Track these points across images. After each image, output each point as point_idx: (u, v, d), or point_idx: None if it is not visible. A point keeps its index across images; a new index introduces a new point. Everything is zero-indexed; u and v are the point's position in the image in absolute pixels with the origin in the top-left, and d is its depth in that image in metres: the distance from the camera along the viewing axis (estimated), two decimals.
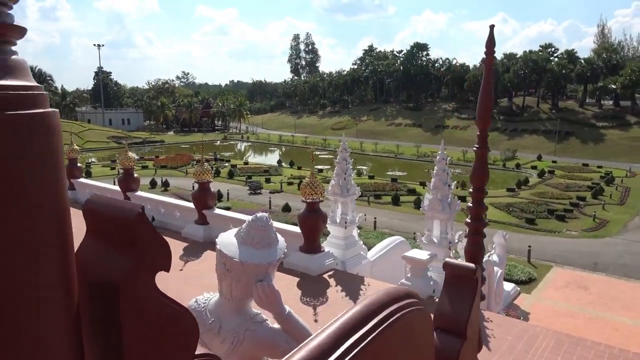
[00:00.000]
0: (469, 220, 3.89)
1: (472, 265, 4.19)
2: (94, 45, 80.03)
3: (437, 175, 9.38)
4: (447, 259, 4.23)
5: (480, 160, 3.85)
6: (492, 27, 3.80)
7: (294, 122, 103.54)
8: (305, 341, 1.62)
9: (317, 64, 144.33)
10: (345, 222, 10.48)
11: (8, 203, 1.00)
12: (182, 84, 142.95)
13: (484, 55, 4.04)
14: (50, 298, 1.10)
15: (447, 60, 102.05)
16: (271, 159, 64.41)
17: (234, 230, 2.95)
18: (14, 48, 1.16)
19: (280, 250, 2.90)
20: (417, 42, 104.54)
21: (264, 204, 32.72)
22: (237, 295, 2.77)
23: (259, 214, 2.93)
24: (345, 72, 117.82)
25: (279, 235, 2.93)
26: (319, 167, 47.20)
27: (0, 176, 0.98)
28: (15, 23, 1.11)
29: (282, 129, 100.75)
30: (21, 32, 1.13)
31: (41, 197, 1.07)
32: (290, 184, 40.74)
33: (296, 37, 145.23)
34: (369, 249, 11.73)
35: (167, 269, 1.43)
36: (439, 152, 9.68)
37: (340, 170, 10.73)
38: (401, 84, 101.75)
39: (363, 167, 52.48)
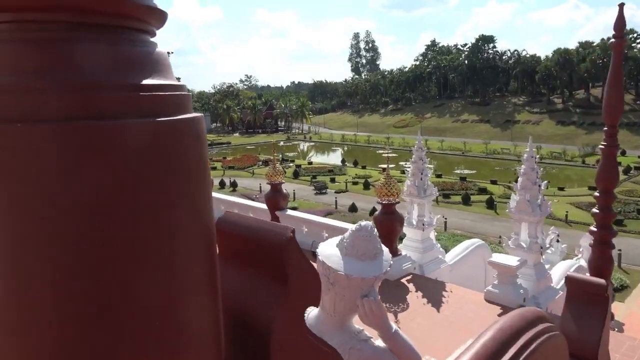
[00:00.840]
0: (594, 229, 3.39)
1: (602, 280, 3.66)
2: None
3: (526, 174, 8.69)
4: (569, 273, 3.74)
5: (608, 160, 3.33)
6: (621, 5, 3.27)
7: (355, 121, 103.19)
8: None
9: (378, 62, 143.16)
10: (423, 224, 10.04)
11: (156, 225, 0.78)
12: (245, 86, 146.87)
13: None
14: (197, 332, 0.87)
15: (515, 52, 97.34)
16: (333, 158, 64.48)
17: (335, 240, 2.73)
18: (153, 39, 0.94)
19: (387, 262, 2.65)
20: (482, 35, 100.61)
21: (330, 204, 32.69)
22: (340, 311, 2.55)
23: (363, 223, 2.68)
24: (406, 69, 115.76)
25: (383, 246, 2.68)
26: (383, 166, 46.54)
27: (148, 195, 0.76)
28: (155, 6, 0.89)
29: (344, 128, 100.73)
30: (162, 18, 0.91)
31: (188, 216, 0.84)
32: (355, 183, 40.48)
33: (356, 36, 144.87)
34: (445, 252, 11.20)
35: (317, 304, 1.18)
36: (527, 149, 8.98)
37: (417, 170, 10.30)
38: (466, 79, 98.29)
39: (429, 166, 51.16)
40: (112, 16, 0.79)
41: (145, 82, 0.80)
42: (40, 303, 0.67)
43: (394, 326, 2.57)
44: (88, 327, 0.70)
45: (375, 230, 2.65)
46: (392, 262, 2.69)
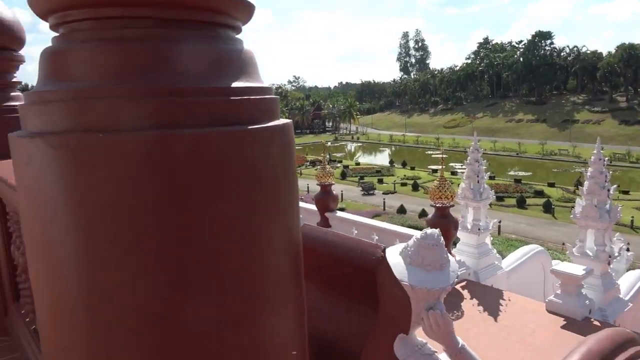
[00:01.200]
0: None
1: None
2: None
3: (593, 178, 8.14)
4: None
5: None
6: None
7: (404, 121, 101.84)
8: None
9: (427, 61, 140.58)
10: (478, 229, 9.66)
11: (243, 237, 0.69)
12: (293, 87, 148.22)
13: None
14: (282, 347, 0.78)
15: (575, 48, 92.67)
16: (381, 159, 63.90)
17: (398, 247, 2.58)
18: (238, 36, 0.85)
19: (454, 273, 2.47)
20: (539, 31, 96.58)
21: (378, 205, 32.36)
22: None
23: (429, 231, 2.51)
24: (457, 68, 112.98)
25: (450, 256, 2.50)
26: (433, 167, 45.66)
27: (235, 206, 0.67)
28: None
29: (392, 128, 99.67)
30: (249, 12, 0.80)
31: (276, 228, 0.75)
32: (403, 184, 39.86)
33: (405, 35, 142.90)
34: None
35: (407, 331, 1.06)
36: (594, 152, 8.42)
37: (472, 172, 9.95)
38: (521, 77, 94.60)
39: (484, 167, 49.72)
40: (199, 10, 0.70)
41: (235, 85, 0.71)
42: (120, 309, 0.66)
43: (461, 341, 2.42)
44: (169, 336, 0.67)
45: (442, 239, 2.50)
46: (459, 272, 2.54)
